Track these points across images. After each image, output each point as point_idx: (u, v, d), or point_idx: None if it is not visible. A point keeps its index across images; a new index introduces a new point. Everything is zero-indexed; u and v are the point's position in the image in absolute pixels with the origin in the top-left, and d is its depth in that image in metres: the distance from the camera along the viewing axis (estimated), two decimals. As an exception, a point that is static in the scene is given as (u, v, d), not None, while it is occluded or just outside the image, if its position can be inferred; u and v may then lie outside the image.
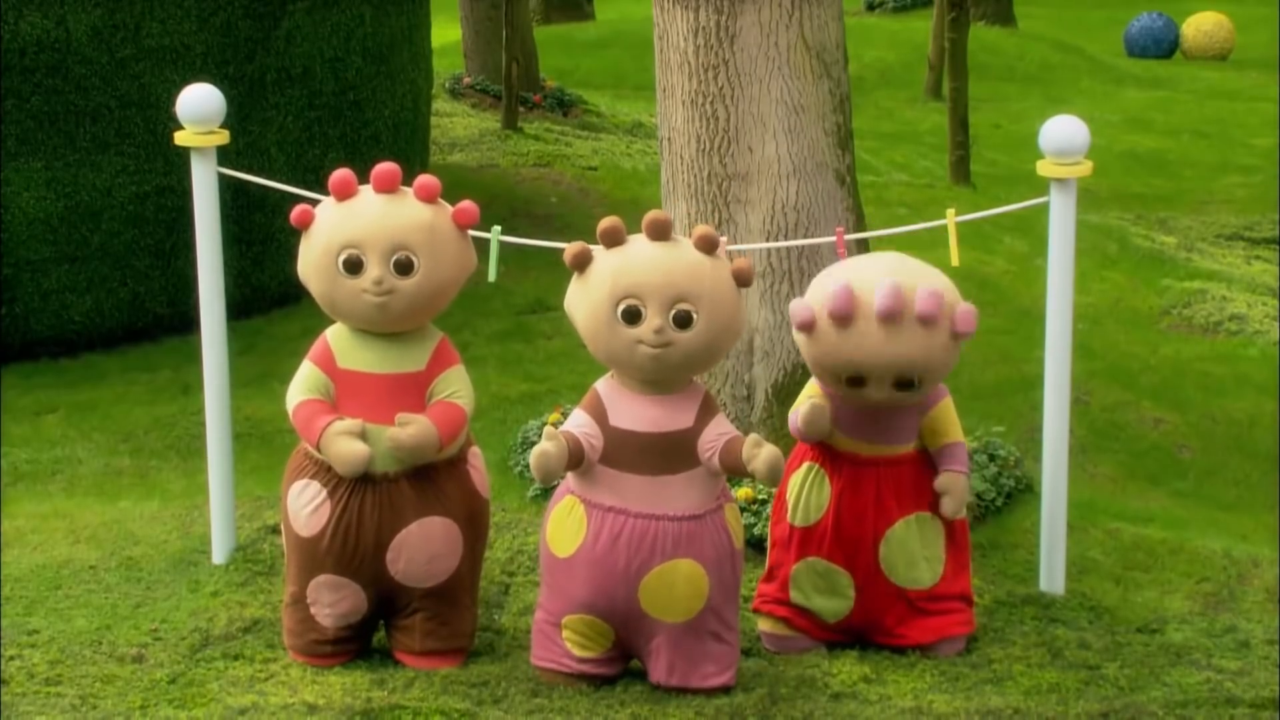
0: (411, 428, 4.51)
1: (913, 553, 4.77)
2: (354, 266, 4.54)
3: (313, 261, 4.62)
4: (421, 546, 4.65)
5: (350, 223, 4.57)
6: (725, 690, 4.58)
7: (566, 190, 11.45)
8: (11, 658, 4.77)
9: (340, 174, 4.64)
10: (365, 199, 4.61)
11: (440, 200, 4.66)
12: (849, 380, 4.61)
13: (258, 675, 4.69)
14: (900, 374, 4.56)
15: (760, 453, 4.33)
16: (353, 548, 4.62)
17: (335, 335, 4.69)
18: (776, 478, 4.39)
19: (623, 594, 4.47)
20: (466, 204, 4.67)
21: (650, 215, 4.45)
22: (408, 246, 4.54)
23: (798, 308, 4.62)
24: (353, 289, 4.54)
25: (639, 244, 4.45)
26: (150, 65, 8.44)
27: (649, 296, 4.37)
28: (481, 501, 4.78)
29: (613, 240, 4.45)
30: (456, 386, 4.68)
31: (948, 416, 4.79)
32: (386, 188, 4.60)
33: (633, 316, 4.38)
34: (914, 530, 4.76)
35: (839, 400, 4.74)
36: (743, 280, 4.46)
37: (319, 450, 4.58)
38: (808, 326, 4.60)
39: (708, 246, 4.43)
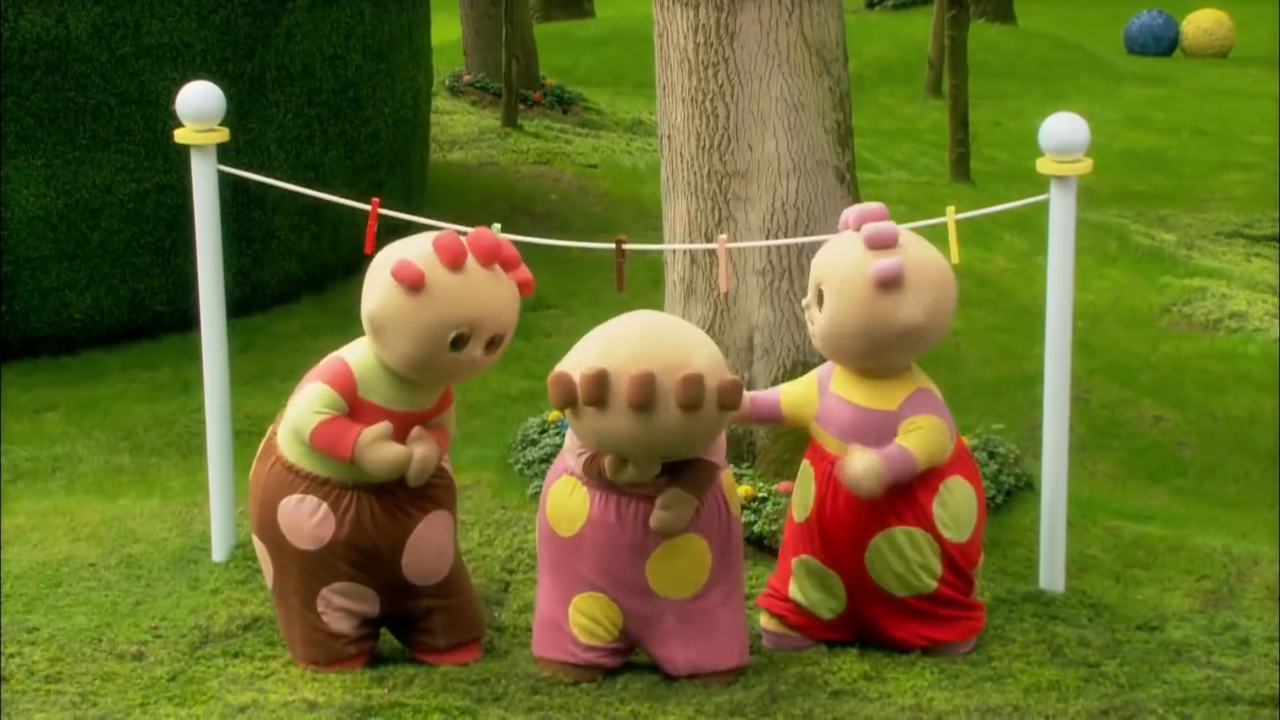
0: (427, 444, 4.60)
1: (903, 564, 4.73)
2: (460, 344, 4.52)
3: (415, 329, 4.49)
4: (430, 544, 4.68)
5: (466, 303, 4.50)
6: (739, 671, 4.61)
7: (566, 188, 11.45)
8: (11, 655, 4.77)
9: (452, 243, 4.51)
10: (473, 274, 4.52)
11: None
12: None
13: (257, 673, 4.69)
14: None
15: (662, 516, 4.42)
16: (369, 552, 4.63)
17: (360, 366, 4.62)
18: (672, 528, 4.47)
19: (629, 573, 4.49)
20: (526, 275, 4.65)
21: (632, 382, 4.23)
22: (504, 329, 4.58)
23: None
24: (453, 361, 4.53)
25: (620, 411, 4.28)
26: (150, 63, 8.44)
27: (635, 458, 4.39)
28: (454, 483, 4.85)
29: (595, 400, 4.30)
30: (450, 420, 4.79)
31: (913, 428, 4.64)
32: (490, 261, 4.56)
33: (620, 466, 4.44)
34: (905, 542, 4.71)
35: (828, 398, 4.75)
36: (730, 405, 4.31)
37: (354, 461, 4.52)
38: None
39: (691, 405, 4.26)
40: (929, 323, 4.61)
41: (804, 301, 4.72)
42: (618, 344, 4.33)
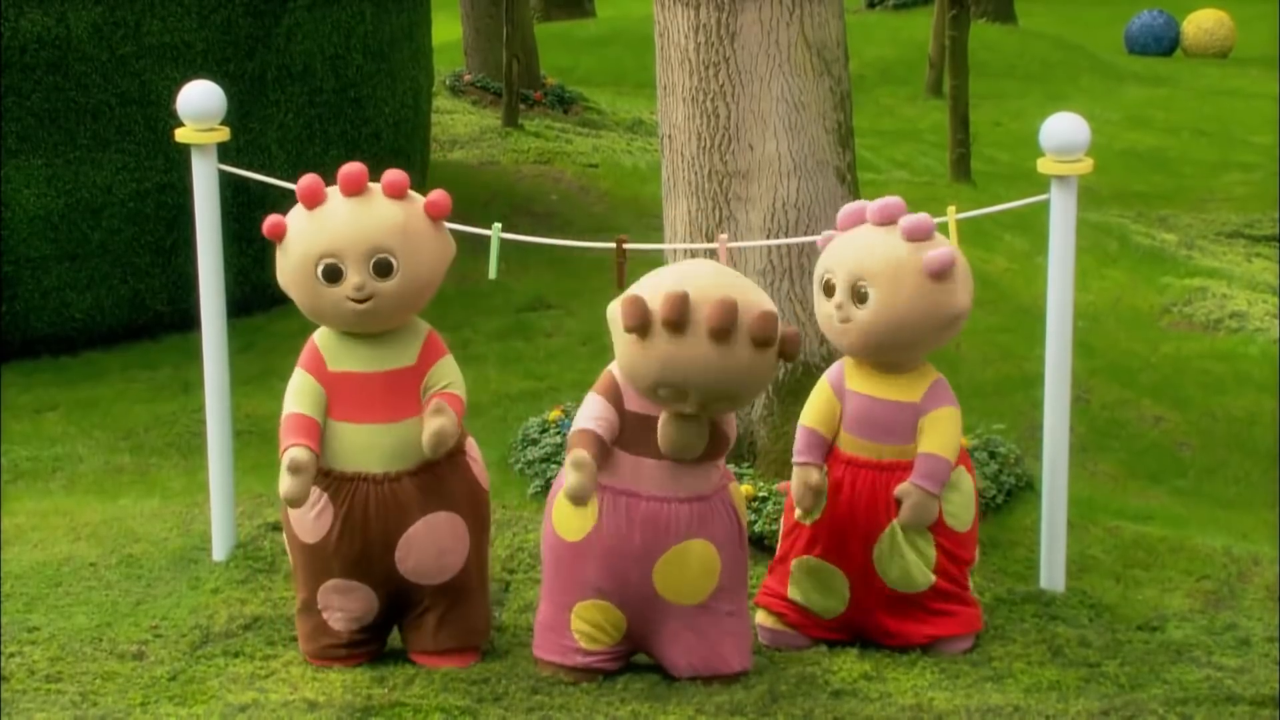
0: (445, 417, 4.50)
1: (905, 557, 4.75)
2: (333, 275, 4.51)
3: (290, 272, 4.59)
4: (430, 543, 4.64)
5: (324, 231, 4.53)
6: (743, 675, 4.60)
7: (567, 188, 11.44)
8: (12, 655, 4.78)
9: (307, 181, 4.58)
10: (335, 205, 4.56)
11: (410, 193, 4.62)
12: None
13: (258, 672, 4.69)
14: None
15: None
16: (360, 549, 4.61)
17: (323, 338, 4.67)
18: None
19: (636, 577, 4.48)
20: (436, 194, 4.62)
21: (716, 307, 4.28)
22: (384, 249, 4.51)
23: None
24: (335, 297, 4.52)
25: (697, 337, 4.30)
26: (151, 62, 8.44)
27: (697, 390, 4.34)
28: (483, 493, 4.78)
29: (675, 320, 4.29)
30: (450, 378, 4.67)
31: (937, 426, 4.71)
32: (354, 190, 4.56)
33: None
34: (910, 535, 4.74)
35: (850, 398, 4.75)
36: (789, 354, 4.40)
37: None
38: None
39: (765, 341, 4.32)
40: (970, 308, 4.71)
41: (834, 301, 4.64)
42: (694, 278, 4.34)
